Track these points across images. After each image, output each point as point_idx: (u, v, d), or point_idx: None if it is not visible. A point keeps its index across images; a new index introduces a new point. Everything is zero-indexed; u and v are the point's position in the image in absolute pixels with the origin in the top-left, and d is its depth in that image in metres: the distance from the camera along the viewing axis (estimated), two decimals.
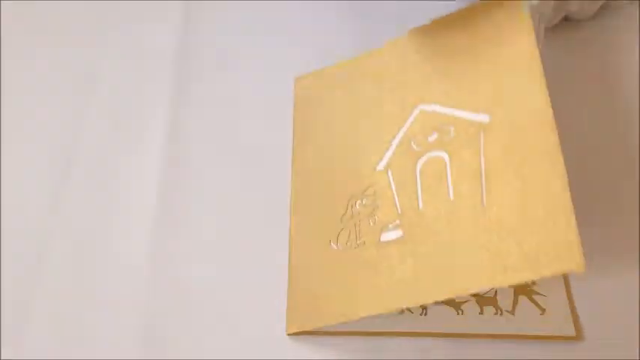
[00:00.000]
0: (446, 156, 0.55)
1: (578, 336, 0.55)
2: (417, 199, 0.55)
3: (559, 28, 0.75)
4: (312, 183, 0.62)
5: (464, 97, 0.56)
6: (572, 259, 0.45)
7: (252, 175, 0.65)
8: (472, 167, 0.53)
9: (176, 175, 0.65)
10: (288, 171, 0.64)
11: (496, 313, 0.56)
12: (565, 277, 0.58)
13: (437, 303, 0.56)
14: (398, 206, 0.56)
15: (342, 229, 0.58)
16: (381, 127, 0.60)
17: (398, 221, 0.55)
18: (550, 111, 0.50)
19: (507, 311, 0.56)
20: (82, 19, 0.79)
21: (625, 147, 0.67)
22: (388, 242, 0.55)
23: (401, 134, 0.59)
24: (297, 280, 0.58)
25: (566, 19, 0.76)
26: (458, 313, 0.56)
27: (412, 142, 0.57)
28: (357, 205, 0.58)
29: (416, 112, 0.59)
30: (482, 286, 0.51)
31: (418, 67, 0.61)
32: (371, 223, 0.56)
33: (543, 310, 0.56)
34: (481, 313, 0.56)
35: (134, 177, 0.65)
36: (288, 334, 0.55)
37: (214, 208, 0.63)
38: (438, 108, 0.58)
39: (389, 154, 0.59)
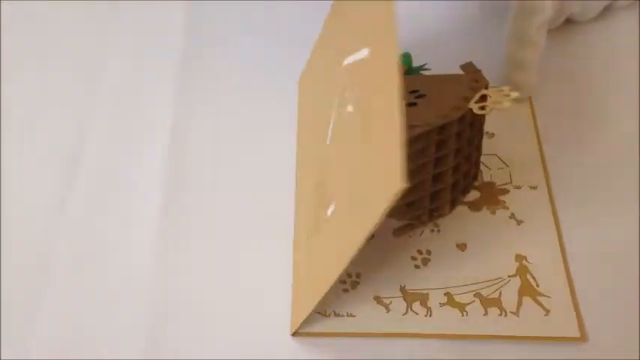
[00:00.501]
0: (350, 107, 0.54)
1: (583, 337, 0.55)
2: (337, 161, 0.55)
3: (562, 30, 0.76)
4: (308, 182, 0.62)
5: (359, 42, 0.55)
6: (395, 186, 0.42)
7: (255, 176, 0.65)
8: (355, 113, 0.53)
9: (180, 176, 0.65)
10: (290, 173, 0.64)
11: (500, 314, 0.56)
12: (569, 278, 0.58)
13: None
14: (335, 177, 0.55)
15: (313, 218, 0.58)
16: (334, 100, 0.60)
17: (332, 191, 0.55)
18: (394, 58, 0.47)
19: (512, 312, 0.56)
20: (83, 20, 0.79)
21: (625, 146, 0.67)
22: (329, 217, 0.54)
23: (336, 101, 0.58)
24: (298, 282, 0.58)
25: (568, 20, 0.76)
26: (462, 315, 0.56)
27: (339, 105, 0.57)
28: (318, 190, 0.58)
29: (343, 71, 0.58)
30: (361, 239, 0.48)
31: (342, 30, 0.61)
32: (323, 203, 0.56)
33: (547, 311, 0.56)
34: (485, 314, 0.56)
35: (138, 178, 0.65)
36: (292, 335, 0.55)
37: (218, 210, 0.63)
38: (350, 59, 0.56)
39: (331, 125, 0.59)
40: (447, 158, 0.56)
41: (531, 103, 0.70)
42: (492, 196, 0.62)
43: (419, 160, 0.54)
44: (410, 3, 0.79)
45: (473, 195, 0.62)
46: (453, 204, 0.59)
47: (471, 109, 0.55)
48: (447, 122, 0.53)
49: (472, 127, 0.57)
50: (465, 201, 0.60)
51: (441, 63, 0.73)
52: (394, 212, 0.52)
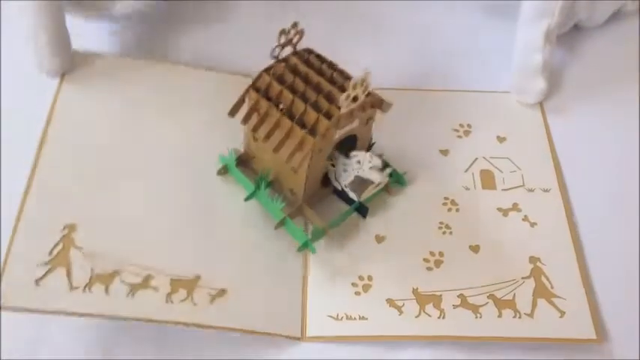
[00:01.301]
0: None
1: (599, 339, 0.54)
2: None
3: (569, 36, 0.76)
4: None
5: None
6: None
7: None
8: None
9: None
10: None
11: (515, 316, 0.55)
12: (584, 280, 0.57)
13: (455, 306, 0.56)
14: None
15: None
16: None
17: None
18: None
19: (526, 314, 0.55)
20: None
21: (628, 149, 0.67)
22: None
23: None
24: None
25: (576, 26, 0.76)
26: (476, 317, 0.55)
27: None
28: None
29: None
30: None
31: None
32: None
33: (563, 313, 0.55)
34: (500, 316, 0.55)
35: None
36: (304, 339, 0.54)
37: None
38: None
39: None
40: (285, 95, 0.55)
41: (542, 108, 0.70)
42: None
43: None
44: (422, 12, 0.80)
45: None
46: (328, 117, 0.54)
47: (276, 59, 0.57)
48: (258, 76, 0.56)
49: (297, 72, 0.57)
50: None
51: (453, 68, 0.74)
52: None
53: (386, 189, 0.62)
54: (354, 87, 0.52)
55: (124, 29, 0.73)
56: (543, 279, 0.57)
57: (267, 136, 0.55)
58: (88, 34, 0.71)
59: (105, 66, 0.68)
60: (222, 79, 0.69)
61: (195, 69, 0.70)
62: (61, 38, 0.65)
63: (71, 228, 0.56)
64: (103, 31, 0.73)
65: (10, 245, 0.54)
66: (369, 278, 0.57)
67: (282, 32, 0.56)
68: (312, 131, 0.54)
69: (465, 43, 0.77)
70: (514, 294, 0.56)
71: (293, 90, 0.56)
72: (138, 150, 0.63)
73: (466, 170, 0.65)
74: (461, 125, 0.68)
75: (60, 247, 0.55)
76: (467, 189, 0.63)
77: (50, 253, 0.55)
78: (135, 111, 0.65)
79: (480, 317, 0.55)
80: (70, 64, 0.67)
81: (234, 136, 0.61)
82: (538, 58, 0.69)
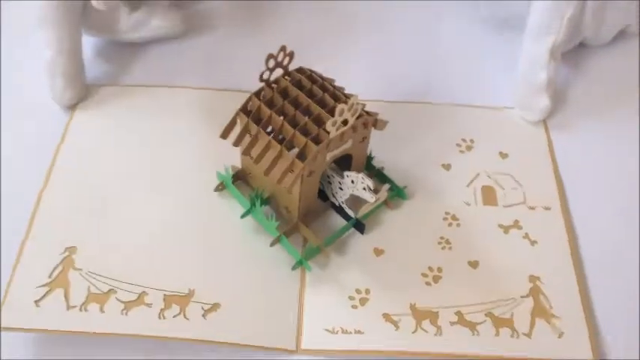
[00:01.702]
0: None
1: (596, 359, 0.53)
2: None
3: (574, 53, 0.76)
4: None
5: None
6: None
7: None
8: None
9: None
10: None
11: (512, 335, 0.54)
12: (583, 300, 0.56)
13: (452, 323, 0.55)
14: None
15: None
16: None
17: None
18: None
19: (524, 334, 0.54)
20: None
21: (631, 168, 0.67)
22: None
23: None
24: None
25: (581, 44, 0.76)
26: (473, 334, 0.54)
27: None
28: None
29: None
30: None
31: None
32: None
33: (561, 334, 0.55)
34: (497, 334, 0.54)
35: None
36: (298, 352, 0.54)
37: None
38: None
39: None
40: (274, 119, 0.55)
41: (546, 125, 0.70)
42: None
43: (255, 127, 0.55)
44: (426, 24, 0.80)
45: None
46: (317, 141, 0.54)
47: (265, 83, 0.57)
48: (247, 99, 0.57)
49: (287, 95, 0.57)
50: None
51: (456, 82, 0.74)
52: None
53: (386, 203, 0.62)
54: (341, 113, 0.52)
55: (129, 57, 0.76)
56: (542, 298, 0.56)
57: (258, 159, 0.55)
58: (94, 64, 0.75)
59: (112, 94, 0.71)
60: (226, 97, 0.70)
61: (196, 89, 0.72)
62: (77, 73, 0.69)
63: (71, 251, 0.58)
64: (108, 59, 0.75)
65: (15, 268, 0.56)
66: (367, 292, 0.57)
67: (271, 56, 0.55)
68: (302, 155, 0.54)
69: (470, 57, 0.77)
70: (512, 313, 0.56)
71: (283, 113, 0.55)
72: (140, 172, 0.65)
73: (467, 185, 0.64)
74: (463, 140, 0.68)
75: (60, 269, 0.57)
76: (468, 204, 0.63)
77: (50, 275, 0.56)
78: (139, 136, 0.67)
79: (477, 335, 0.54)
80: (84, 95, 0.70)
81: (234, 153, 0.60)
82: (543, 75, 0.69)
